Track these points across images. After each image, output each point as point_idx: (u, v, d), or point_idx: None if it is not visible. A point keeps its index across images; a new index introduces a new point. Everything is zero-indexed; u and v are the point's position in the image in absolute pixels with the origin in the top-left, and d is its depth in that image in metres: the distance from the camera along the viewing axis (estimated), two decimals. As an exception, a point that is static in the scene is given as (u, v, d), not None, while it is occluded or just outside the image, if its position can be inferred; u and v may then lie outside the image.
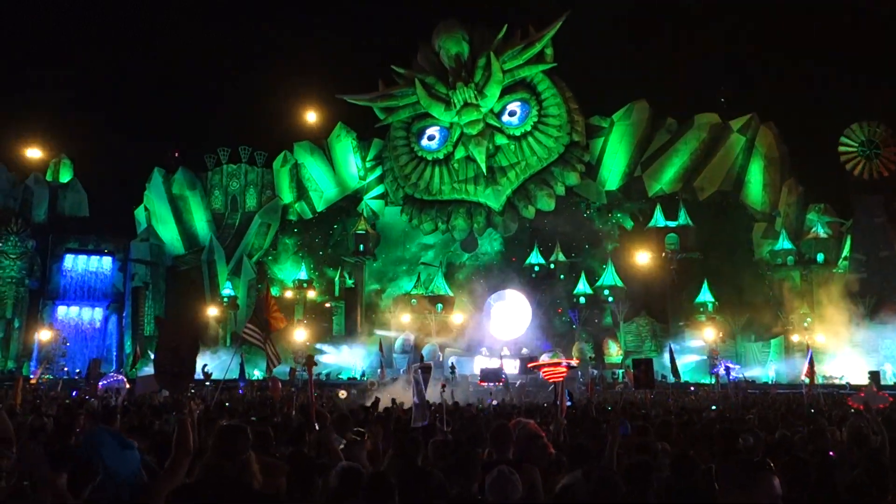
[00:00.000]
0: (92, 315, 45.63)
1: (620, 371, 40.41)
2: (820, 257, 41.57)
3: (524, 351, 40.45)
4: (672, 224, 43.60)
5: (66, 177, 48.33)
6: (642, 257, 43.53)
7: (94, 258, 45.78)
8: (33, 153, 47.42)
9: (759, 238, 42.96)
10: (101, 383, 22.38)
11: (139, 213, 48.62)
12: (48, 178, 47.69)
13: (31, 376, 32.91)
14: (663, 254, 43.66)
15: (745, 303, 41.16)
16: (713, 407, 16.90)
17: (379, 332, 43.12)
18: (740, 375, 35.74)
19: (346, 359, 42.56)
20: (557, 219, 44.11)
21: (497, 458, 5.48)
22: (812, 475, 4.61)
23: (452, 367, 35.97)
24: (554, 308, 45.45)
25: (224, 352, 41.00)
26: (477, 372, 27.93)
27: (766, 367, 39.84)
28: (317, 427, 7.52)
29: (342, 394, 30.08)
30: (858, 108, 45.33)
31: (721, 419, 10.85)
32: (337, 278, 46.39)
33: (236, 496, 3.46)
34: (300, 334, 42.62)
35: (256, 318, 18.95)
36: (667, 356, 34.44)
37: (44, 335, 41.77)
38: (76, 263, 45.39)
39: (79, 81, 63.91)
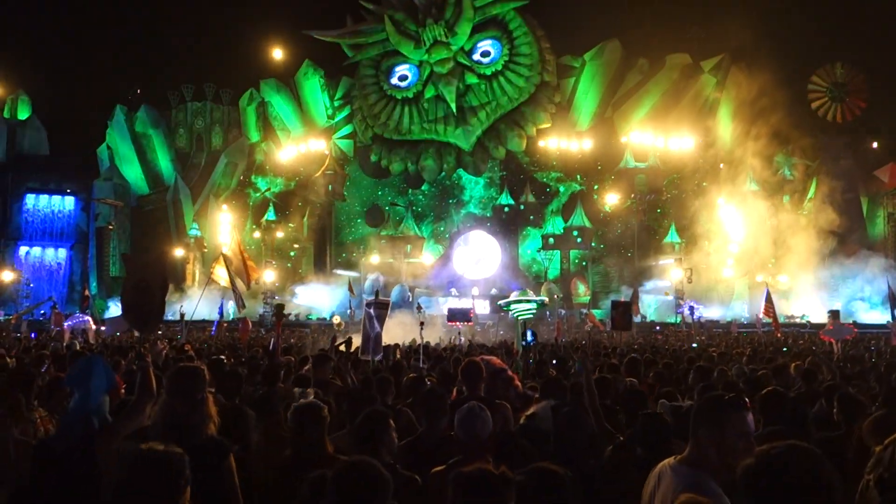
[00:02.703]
0: (55, 255, 44.96)
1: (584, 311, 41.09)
2: (785, 199, 42.15)
3: (493, 291, 40.80)
4: (642, 165, 43.76)
5: (24, 114, 46.92)
6: (611, 198, 43.76)
7: (56, 198, 44.88)
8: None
9: (726, 179, 43.33)
10: (66, 324, 22.12)
11: (102, 151, 47.44)
12: (6, 115, 46.28)
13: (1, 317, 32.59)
14: (632, 195, 43.92)
15: (710, 244, 41.75)
16: (694, 345, 17.20)
17: (344, 272, 43.12)
18: (703, 315, 36.53)
19: (315, 299, 42.59)
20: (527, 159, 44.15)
21: (468, 395, 5.53)
22: (788, 409, 4.72)
23: (419, 307, 36.17)
24: (523, 249, 45.83)
25: (194, 292, 40.78)
26: (446, 312, 28.09)
27: (730, 307, 40.67)
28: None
29: (336, 320, 30.28)
30: (830, 49, 45.41)
31: (689, 357, 11.07)
32: (305, 219, 46.04)
33: (187, 438, 3.41)
34: (269, 275, 42.42)
35: (225, 260, 18.81)
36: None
37: (6, 276, 41.14)
38: (38, 203, 44.49)
39: (36, 14, 61.52)
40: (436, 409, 4.68)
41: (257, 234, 45.44)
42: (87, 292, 33.99)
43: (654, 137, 42.79)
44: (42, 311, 34.98)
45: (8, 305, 39.92)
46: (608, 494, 4.01)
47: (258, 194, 46.58)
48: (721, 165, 42.84)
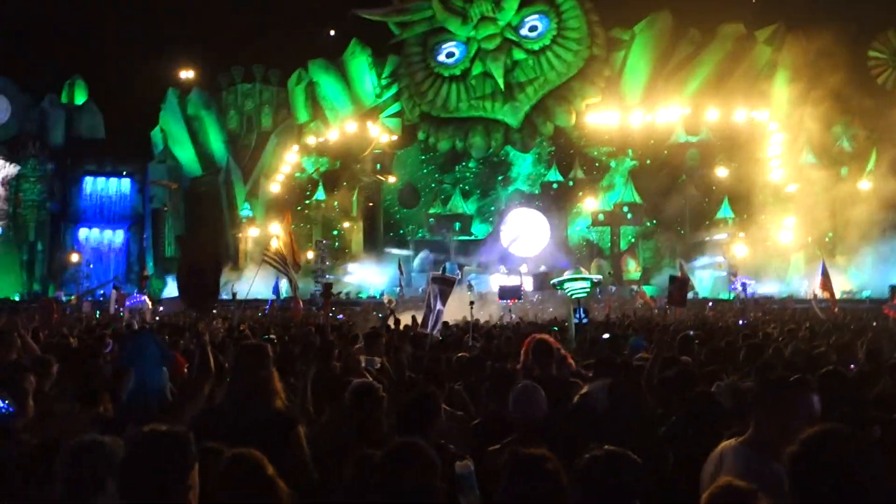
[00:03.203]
0: (113, 237, 46.15)
1: (637, 288, 40.63)
2: (843, 171, 40.85)
3: (542, 268, 40.61)
4: (694, 139, 42.86)
5: (80, 98, 48.04)
6: (663, 173, 43.04)
7: (113, 180, 45.96)
8: (47, 74, 47.02)
9: (782, 152, 42.18)
10: (125, 304, 22.76)
11: (155, 134, 48.40)
12: (63, 100, 47.44)
13: (63, 298, 33.67)
14: (684, 169, 43.11)
15: (765, 219, 40.80)
16: (741, 322, 16.84)
17: (395, 251, 43.36)
18: (757, 291, 35.79)
19: (366, 277, 42.93)
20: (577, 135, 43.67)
21: (541, 374, 5.47)
22: (850, 389, 4.59)
23: (470, 286, 36.22)
24: (572, 226, 45.44)
25: (248, 272, 41.52)
26: (495, 289, 28.09)
27: (786, 282, 39.71)
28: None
29: (386, 299, 30.58)
30: (890, 12, 43.57)
31: (744, 335, 10.85)
32: (355, 197, 46.33)
33: (258, 415, 3.48)
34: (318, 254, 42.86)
35: (278, 244, 19.13)
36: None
37: (73, 258, 42.44)
38: (95, 186, 45.63)
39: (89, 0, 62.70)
40: (504, 388, 4.66)
41: (307, 214, 45.88)
42: (145, 273, 34.86)
43: (707, 110, 41.78)
44: (102, 292, 36.02)
45: (69, 286, 41.19)
46: (661, 475, 3.97)
47: (307, 174, 46.97)
48: (777, 138, 41.70)
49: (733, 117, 41.60)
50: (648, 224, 44.67)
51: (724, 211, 42.01)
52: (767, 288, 38.04)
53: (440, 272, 10.53)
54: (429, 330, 9.47)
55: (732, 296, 35.70)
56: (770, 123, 41.85)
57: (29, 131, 43.84)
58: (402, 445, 2.80)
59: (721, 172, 42.35)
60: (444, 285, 9.93)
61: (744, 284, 33.32)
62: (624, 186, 43.62)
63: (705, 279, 40.77)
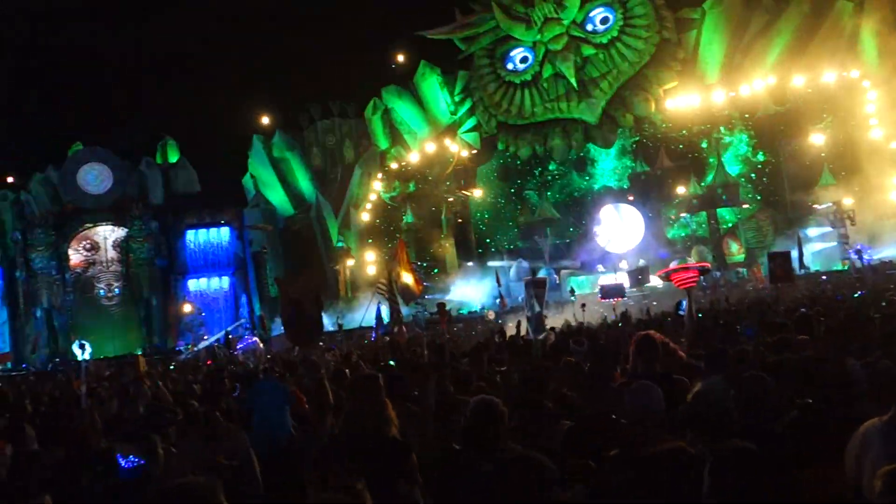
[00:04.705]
0: (220, 284, 48.03)
1: (744, 270, 39.23)
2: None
3: (641, 262, 39.74)
4: (782, 109, 41.16)
5: (174, 157, 50.41)
6: (754, 149, 41.52)
7: (213, 230, 47.90)
8: (141, 139, 49.69)
9: (880, 108, 39.96)
10: (238, 347, 23.62)
11: (246, 180, 50.29)
12: (157, 160, 49.90)
13: (182, 348, 35.22)
14: (776, 141, 41.43)
15: (871, 180, 38.65)
16: (857, 294, 15.94)
17: (491, 263, 43.31)
18: (874, 257, 33.89)
19: (465, 293, 43.04)
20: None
21: (644, 371, 5.35)
22: None
23: (572, 291, 35.80)
24: (666, 215, 44.31)
25: (353, 302, 42.37)
26: (596, 290, 27.69)
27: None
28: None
29: (491, 315, 30.73)
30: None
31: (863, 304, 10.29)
32: (443, 216, 46.64)
33: (373, 445, 3.53)
34: (406, 278, 43.22)
35: (388, 272, 19.60)
36: (793, 248, 33.02)
37: (186, 308, 44.49)
38: (197, 237, 47.64)
39: (168, 63, 65.95)
40: (600, 391, 4.60)
41: (400, 237, 46.47)
42: (262, 315, 36.09)
43: (793, 77, 40.05)
44: (216, 338, 37.55)
45: (186, 336, 43.13)
46: (797, 459, 3.78)
47: (393, 199, 47.61)
48: (871, 95, 39.55)
49: (821, 81, 39.74)
50: (745, 202, 43.06)
51: (826, 178, 40.04)
52: (885, 253, 35.93)
53: (531, 276, 10.49)
54: (532, 335, 9.39)
55: (847, 266, 33.99)
56: (862, 81, 39.77)
57: (130, 195, 46.27)
58: (521, 458, 2.79)
59: (816, 139, 40.47)
60: (538, 288, 9.86)
61: (859, 251, 31.64)
62: (716, 168, 42.20)
63: (815, 251, 38.93)
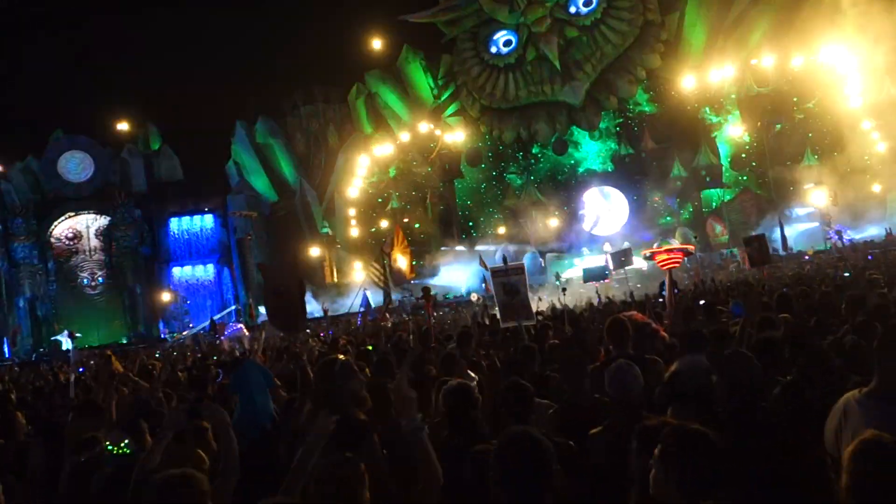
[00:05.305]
0: (204, 272, 47.82)
1: (728, 251, 39.42)
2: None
3: (625, 245, 39.87)
4: (765, 90, 41.25)
5: (156, 144, 50.02)
6: (736, 131, 41.64)
7: (196, 217, 47.64)
8: (122, 126, 49.16)
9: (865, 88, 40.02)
10: (225, 333, 23.57)
11: (230, 167, 49.95)
12: (140, 148, 49.46)
13: (167, 336, 35.08)
14: (758, 123, 41.56)
15: (853, 160, 38.89)
16: (846, 274, 16.03)
17: (475, 248, 43.33)
18: (855, 237, 34.23)
19: (450, 278, 43.08)
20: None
21: (616, 353, 5.44)
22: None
23: (557, 276, 35.90)
24: (650, 197, 44.42)
25: (334, 289, 42.36)
26: (580, 273, 27.79)
27: (888, 224, 37.70)
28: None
29: (474, 297, 30.79)
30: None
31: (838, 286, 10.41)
32: (428, 201, 46.57)
33: (342, 426, 3.57)
34: (401, 261, 43.25)
35: (381, 257, 19.57)
36: (776, 230, 33.29)
37: (165, 297, 44.26)
38: (181, 225, 47.38)
39: (148, 50, 65.29)
40: (575, 373, 4.66)
41: (385, 224, 46.39)
42: (250, 302, 36.09)
43: (776, 58, 40.11)
44: (202, 326, 37.44)
45: (171, 324, 42.99)
46: (780, 437, 3.84)
47: (378, 185, 47.44)
48: (854, 76, 39.65)
49: (804, 60, 39.81)
50: (728, 183, 43.26)
51: (808, 158, 40.26)
52: (868, 232, 36.26)
53: (502, 264, 10.33)
54: (517, 322, 9.31)
55: (829, 245, 34.28)
56: (844, 59, 39.81)
57: (113, 182, 45.91)
58: (516, 435, 2.84)
59: (800, 119, 40.64)
60: (517, 274, 9.75)
61: (839, 231, 31.94)
62: (700, 149, 42.31)
63: (798, 233, 39.21)
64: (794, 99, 40.84)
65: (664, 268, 10.42)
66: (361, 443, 3.82)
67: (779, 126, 41.44)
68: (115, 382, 6.18)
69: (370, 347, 10.01)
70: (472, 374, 5.89)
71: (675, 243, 34.93)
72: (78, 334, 17.87)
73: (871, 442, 2.37)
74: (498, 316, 9.82)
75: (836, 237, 31.59)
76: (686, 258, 30.40)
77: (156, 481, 2.95)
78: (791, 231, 38.08)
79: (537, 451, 2.73)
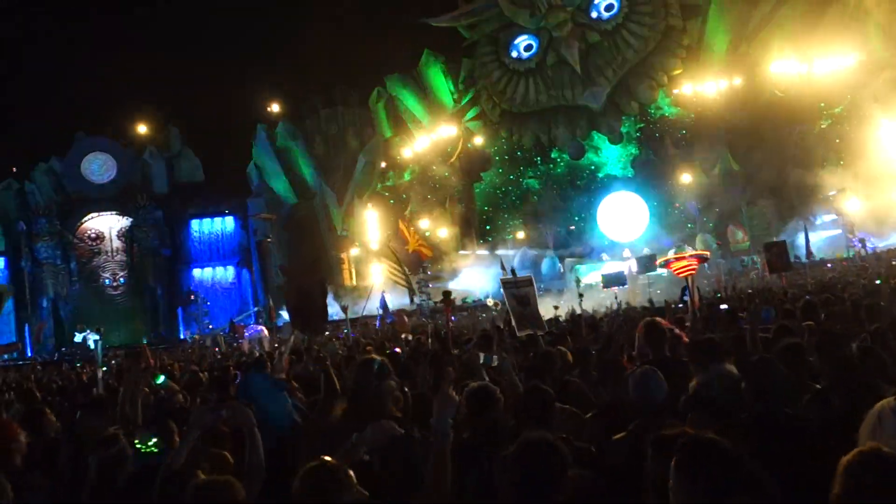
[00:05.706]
0: (224, 273, 48.16)
1: (747, 258, 39.08)
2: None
3: (645, 251, 39.65)
4: (786, 96, 40.83)
5: (177, 147, 50.46)
6: (759, 137, 41.25)
7: (217, 219, 48.07)
8: (143, 128, 49.64)
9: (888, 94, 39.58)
10: (245, 334, 23.72)
11: (250, 170, 50.29)
12: (161, 150, 49.90)
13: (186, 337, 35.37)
14: (781, 129, 41.14)
15: (877, 166, 38.39)
16: (877, 281, 15.85)
17: (495, 252, 43.28)
18: (879, 244, 33.80)
19: (470, 282, 43.02)
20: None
21: (653, 357, 5.38)
22: None
23: (578, 281, 35.73)
24: (671, 202, 44.16)
25: (350, 290, 42.39)
26: (600, 278, 27.70)
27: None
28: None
29: (490, 302, 30.76)
30: None
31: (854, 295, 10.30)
32: (447, 204, 46.59)
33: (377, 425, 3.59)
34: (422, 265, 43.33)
35: (395, 256, 19.62)
36: (800, 236, 32.95)
37: (191, 298, 44.67)
38: (201, 227, 47.82)
39: (171, 52, 65.89)
40: (615, 376, 4.64)
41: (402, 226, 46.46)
42: (269, 304, 36.33)
43: (799, 64, 39.74)
44: (221, 328, 37.71)
45: (191, 325, 43.31)
46: (809, 444, 3.81)
47: (398, 188, 47.56)
48: (877, 78, 39.15)
49: (827, 64, 39.43)
50: (749, 190, 42.87)
51: (831, 164, 39.79)
52: (892, 240, 35.75)
53: (511, 276, 10.42)
54: (530, 330, 9.35)
55: (852, 253, 33.89)
56: (868, 64, 39.36)
57: (134, 184, 46.36)
58: (533, 441, 2.84)
59: (823, 125, 40.23)
60: (525, 287, 9.82)
61: (862, 240, 31.55)
62: (719, 155, 42.00)
63: (822, 239, 38.75)
64: (821, 105, 40.42)
65: (681, 276, 10.41)
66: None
67: (801, 131, 41.03)
68: (149, 376, 6.19)
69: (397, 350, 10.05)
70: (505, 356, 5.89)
71: (690, 250, 34.67)
72: (101, 329, 18.13)
73: (870, 454, 2.36)
74: (513, 323, 9.88)
75: (860, 245, 31.19)
76: (706, 264, 30.22)
77: (195, 484, 2.98)
78: (813, 237, 37.62)
79: (553, 457, 2.75)
